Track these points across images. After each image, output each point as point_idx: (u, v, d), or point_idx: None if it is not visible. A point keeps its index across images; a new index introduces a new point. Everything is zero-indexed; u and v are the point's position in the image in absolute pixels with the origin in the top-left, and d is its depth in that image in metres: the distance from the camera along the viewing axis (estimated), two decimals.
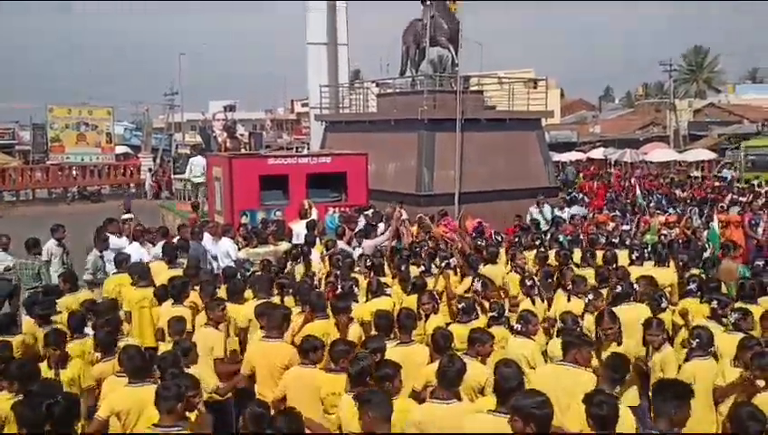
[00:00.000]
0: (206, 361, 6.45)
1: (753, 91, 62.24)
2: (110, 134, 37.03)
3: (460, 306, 7.20)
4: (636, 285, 7.68)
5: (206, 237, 11.84)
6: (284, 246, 11.03)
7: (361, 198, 15.05)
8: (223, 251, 11.33)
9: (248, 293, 8.04)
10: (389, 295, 8.08)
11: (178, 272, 8.87)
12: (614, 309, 6.77)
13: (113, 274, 9.67)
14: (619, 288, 7.40)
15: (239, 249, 11.28)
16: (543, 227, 14.24)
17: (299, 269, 9.65)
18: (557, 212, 15.20)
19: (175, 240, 10.97)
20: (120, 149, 42.44)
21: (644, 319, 6.42)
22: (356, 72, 65.38)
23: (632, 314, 6.77)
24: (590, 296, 7.32)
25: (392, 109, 19.83)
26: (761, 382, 5.26)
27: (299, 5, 25.83)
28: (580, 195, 21.91)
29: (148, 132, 43.85)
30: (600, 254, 9.93)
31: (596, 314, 6.57)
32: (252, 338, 7.03)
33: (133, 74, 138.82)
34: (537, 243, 11.12)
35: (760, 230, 13.87)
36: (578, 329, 6.45)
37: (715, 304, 6.89)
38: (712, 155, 37.94)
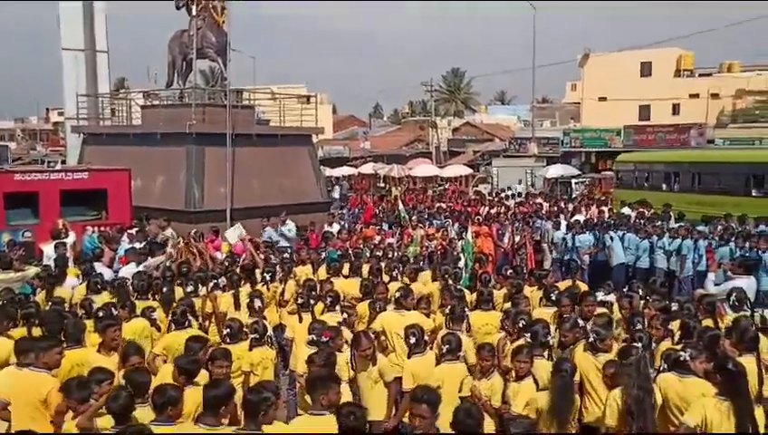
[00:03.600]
0: None
1: (501, 112, 69.38)
2: None
3: (227, 329, 7.07)
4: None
5: None
6: (32, 271, 10.04)
7: (124, 216, 14.25)
8: None
9: None
10: (155, 319, 7.75)
11: None
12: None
13: None
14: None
15: None
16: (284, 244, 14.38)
17: (41, 296, 8.82)
18: (326, 228, 15.52)
19: None
20: None
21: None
22: (121, 80, 62.02)
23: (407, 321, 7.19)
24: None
25: (158, 122, 19.01)
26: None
27: (53, 5, 23.88)
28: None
29: None
30: (366, 267, 10.41)
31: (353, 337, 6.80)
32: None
33: None
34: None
35: (506, 240, 15.39)
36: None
37: (447, 310, 7.53)
38: (468, 170, 41.40)
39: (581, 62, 47.68)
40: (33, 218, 13.47)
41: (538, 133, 43.23)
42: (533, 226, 16.32)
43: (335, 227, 15.58)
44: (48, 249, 11.62)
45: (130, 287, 8.88)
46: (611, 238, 14.33)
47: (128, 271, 10.13)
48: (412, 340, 6.49)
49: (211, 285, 9.19)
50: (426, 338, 6.73)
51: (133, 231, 13.11)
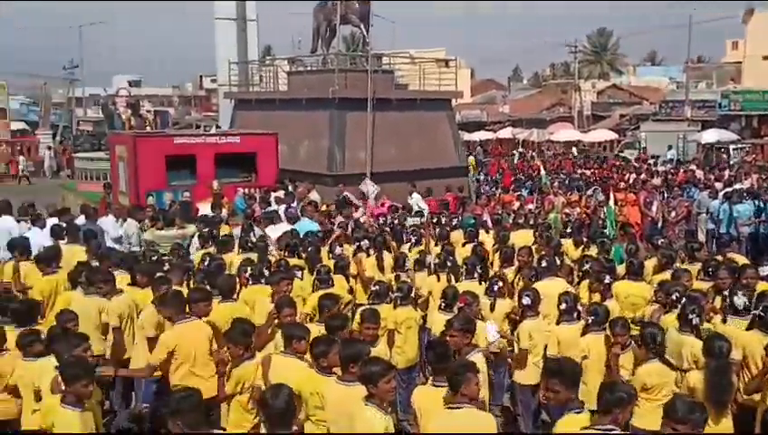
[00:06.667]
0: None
1: (651, 73, 65.42)
2: (4, 109, 34.94)
3: (374, 289, 7.24)
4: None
5: (110, 219, 11.46)
6: (191, 229, 10.74)
7: (271, 178, 14.87)
8: (129, 233, 11.01)
9: None
10: (301, 278, 8.04)
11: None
12: (537, 284, 7.24)
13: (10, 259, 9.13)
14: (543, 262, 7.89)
15: (144, 230, 10.98)
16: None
17: (201, 253, 9.38)
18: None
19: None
20: (17, 126, 40.06)
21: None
22: (267, 48, 64.34)
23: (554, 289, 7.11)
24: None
25: (303, 87, 19.59)
26: (616, 348, 5.85)
27: None
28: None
29: (47, 108, 41.63)
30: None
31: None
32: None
33: (30, 46, 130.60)
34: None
35: (654, 208, 14.60)
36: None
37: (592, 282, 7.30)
38: (613, 135, 39.53)
39: (745, 18, 43.84)
40: (191, 180, 14.32)
41: (692, 96, 40.39)
42: (687, 195, 15.38)
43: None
44: (204, 208, 12.40)
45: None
46: None
47: (277, 231, 10.59)
48: (563, 306, 6.42)
49: (354, 247, 9.44)
50: (579, 308, 6.57)
51: (280, 193, 13.65)
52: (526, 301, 6.62)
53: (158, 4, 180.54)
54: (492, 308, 7.14)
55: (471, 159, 17.42)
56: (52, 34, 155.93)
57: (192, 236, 10.42)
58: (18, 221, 10.89)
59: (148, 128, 19.86)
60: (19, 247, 8.76)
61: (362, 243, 9.38)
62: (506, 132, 43.54)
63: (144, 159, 13.93)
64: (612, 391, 4.24)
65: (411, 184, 15.73)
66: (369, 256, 9.15)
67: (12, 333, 5.91)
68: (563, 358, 5.00)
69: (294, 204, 13.07)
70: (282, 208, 12.63)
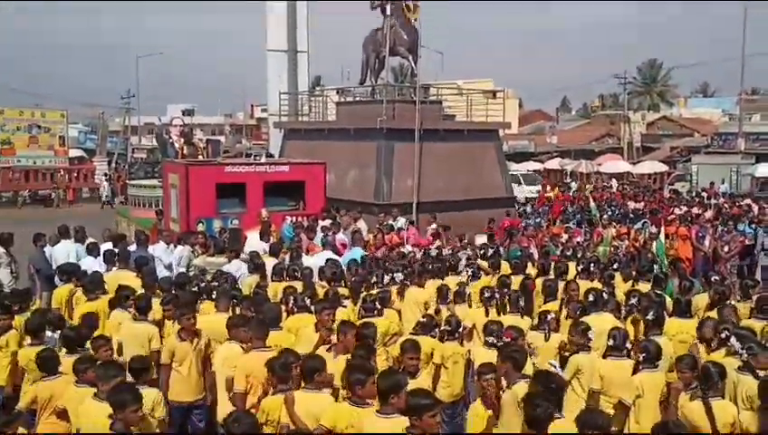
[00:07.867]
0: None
1: (704, 105, 64.14)
2: (63, 137, 36.11)
3: (421, 320, 7.22)
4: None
5: (161, 245, 11.72)
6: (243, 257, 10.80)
7: (318, 207, 15.02)
8: (178, 259, 11.24)
9: (207, 305, 7.96)
10: (345, 307, 8.09)
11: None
12: (585, 318, 7.11)
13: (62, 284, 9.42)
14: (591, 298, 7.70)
15: (196, 256, 11.20)
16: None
17: (250, 281, 9.52)
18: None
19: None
20: (75, 153, 41.42)
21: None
22: (316, 78, 65.41)
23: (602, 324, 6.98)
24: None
25: (352, 117, 19.84)
26: (678, 384, 5.70)
27: (259, 6, 25.84)
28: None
29: (104, 136, 42.98)
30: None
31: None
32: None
33: (88, 76, 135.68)
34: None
35: (706, 243, 14.24)
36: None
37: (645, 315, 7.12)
38: (664, 167, 38.83)
39: None
40: (241, 207, 14.54)
41: (746, 128, 39.46)
42: (739, 230, 14.97)
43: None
44: (251, 236, 12.57)
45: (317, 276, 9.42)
46: None
47: (318, 260, 10.67)
48: (611, 341, 6.29)
49: (387, 279, 9.28)
50: (628, 344, 6.44)
51: (327, 223, 13.76)
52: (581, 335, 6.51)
53: (212, 34, 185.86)
54: (546, 340, 7.05)
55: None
56: (110, 64, 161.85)
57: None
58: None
59: (200, 156, 20.25)
60: (75, 273, 9.14)
61: (396, 275, 9.30)
62: (554, 163, 43.17)
63: (195, 186, 14.21)
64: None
65: (432, 216, 15.61)
66: (406, 287, 9.11)
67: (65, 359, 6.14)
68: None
69: (340, 233, 13.20)
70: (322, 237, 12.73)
